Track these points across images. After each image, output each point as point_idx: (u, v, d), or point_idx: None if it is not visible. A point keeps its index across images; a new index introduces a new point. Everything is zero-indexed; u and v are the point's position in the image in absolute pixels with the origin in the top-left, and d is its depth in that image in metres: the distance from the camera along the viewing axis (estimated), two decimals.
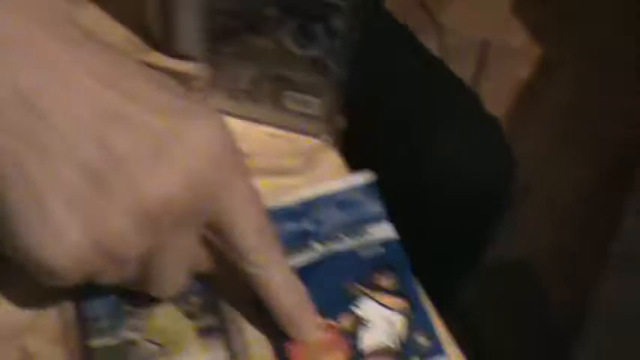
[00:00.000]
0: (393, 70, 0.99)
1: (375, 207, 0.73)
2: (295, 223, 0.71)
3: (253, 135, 0.77)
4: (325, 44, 0.69)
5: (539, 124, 1.69)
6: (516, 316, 1.47)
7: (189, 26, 0.79)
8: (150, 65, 0.81)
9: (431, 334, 0.66)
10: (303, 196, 0.72)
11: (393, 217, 0.73)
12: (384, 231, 0.71)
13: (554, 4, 1.83)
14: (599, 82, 1.72)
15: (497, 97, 1.75)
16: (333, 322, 0.65)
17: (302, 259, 0.69)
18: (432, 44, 1.82)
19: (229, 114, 0.78)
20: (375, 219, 0.72)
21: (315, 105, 0.74)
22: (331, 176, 0.75)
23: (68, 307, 0.66)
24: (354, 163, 0.77)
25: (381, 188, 0.80)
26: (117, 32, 0.85)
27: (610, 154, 1.60)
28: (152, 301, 0.67)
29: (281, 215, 0.71)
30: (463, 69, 1.83)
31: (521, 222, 1.56)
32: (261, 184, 0.74)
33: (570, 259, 1.48)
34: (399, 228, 0.74)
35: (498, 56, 1.79)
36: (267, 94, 0.75)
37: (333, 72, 0.71)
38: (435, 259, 1.05)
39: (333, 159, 0.76)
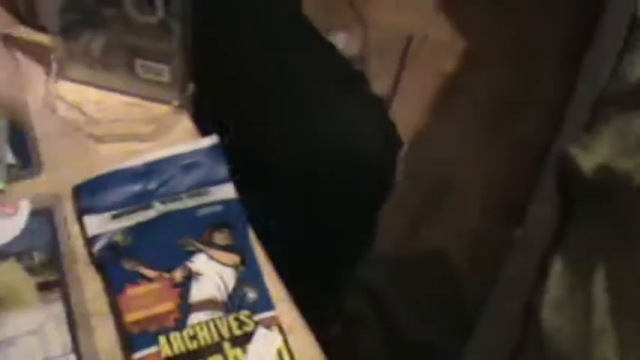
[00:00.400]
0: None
1: (220, 169, 0.75)
2: (139, 185, 0.74)
3: (110, 103, 0.80)
4: (164, 9, 0.72)
5: (461, 118, 1.73)
6: (430, 302, 1.50)
7: (48, 2, 0.82)
8: (16, 38, 0.85)
9: (260, 289, 0.69)
10: (149, 158, 0.75)
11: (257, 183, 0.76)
12: (225, 191, 0.74)
13: None
14: (521, 76, 1.76)
15: (420, 90, 1.79)
16: (165, 274, 0.68)
17: (141, 218, 0.71)
18: (357, 40, 1.86)
19: (87, 83, 0.81)
20: (218, 181, 0.75)
21: (164, 72, 0.77)
22: (183, 141, 0.78)
23: None
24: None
25: (247, 159, 0.83)
26: None
27: (527, 146, 1.64)
28: None
29: (126, 176, 0.74)
30: (387, 64, 1.87)
31: (443, 212, 1.60)
32: (114, 149, 0.77)
33: (483, 248, 1.52)
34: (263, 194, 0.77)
35: (422, 50, 1.83)
36: (120, 63, 0.78)
37: (177, 37, 0.74)
38: (319, 236, 1.07)
39: (185, 125, 0.79)
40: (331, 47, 1.04)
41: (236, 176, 0.75)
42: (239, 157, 0.86)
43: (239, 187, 0.75)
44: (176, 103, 0.78)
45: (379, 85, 1.70)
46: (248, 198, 0.79)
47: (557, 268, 0.93)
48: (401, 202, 1.58)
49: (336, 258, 1.12)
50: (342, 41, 1.78)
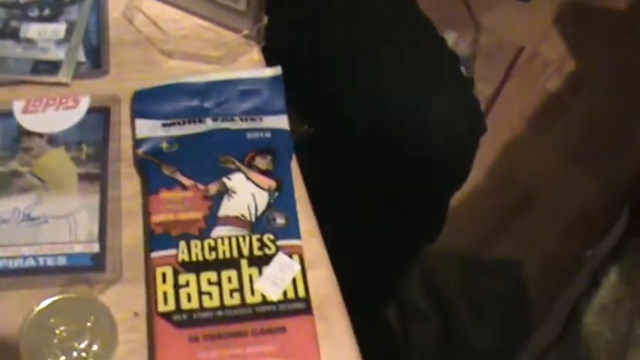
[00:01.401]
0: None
1: (277, 101, 0.76)
2: (195, 101, 0.75)
3: (185, 24, 0.82)
4: None
5: (558, 136, 1.68)
6: (491, 307, 1.46)
7: None
8: None
9: (290, 217, 0.68)
10: (210, 78, 0.76)
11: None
12: (278, 122, 0.74)
13: (594, 22, 1.81)
14: (625, 104, 1.70)
15: (521, 102, 1.75)
16: (200, 186, 0.69)
17: (190, 130, 0.72)
18: (467, 40, 1.83)
19: (165, 2, 0.83)
20: (273, 111, 0.75)
21: (241, 1, 0.78)
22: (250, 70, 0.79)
23: None
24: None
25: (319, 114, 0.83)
26: None
27: (623, 174, 1.58)
28: (49, 143, 0.73)
29: (184, 90, 0.75)
30: (494, 70, 1.83)
31: (521, 225, 1.56)
32: (180, 66, 0.79)
33: (554, 265, 1.47)
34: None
35: (531, 64, 1.79)
36: None
37: None
38: (384, 215, 1.05)
39: (253, 55, 0.80)
40: (429, 27, 1.01)
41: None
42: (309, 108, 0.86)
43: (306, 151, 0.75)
44: (246, 31, 0.79)
45: (482, 89, 1.68)
46: (315, 159, 0.79)
47: (612, 277, 0.90)
48: (481, 207, 1.56)
49: (403, 239, 1.10)
50: (451, 39, 1.76)
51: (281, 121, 0.75)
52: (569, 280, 1.34)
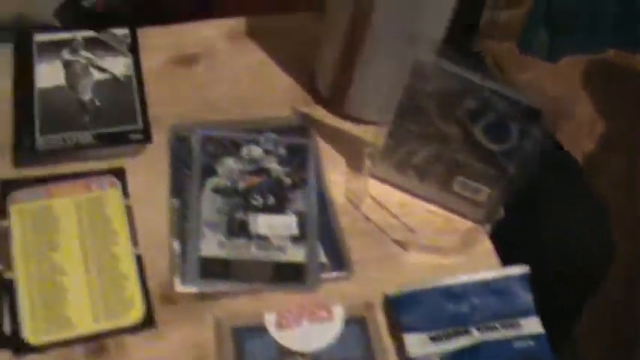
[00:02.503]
0: None
1: (527, 299, 0.75)
2: (454, 305, 0.73)
3: (413, 209, 0.79)
4: (515, 144, 0.71)
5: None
6: None
7: (368, 93, 0.81)
8: (317, 121, 0.84)
9: None
10: (462, 279, 0.74)
11: None
12: (534, 325, 0.74)
13: (624, 83, 1.87)
14: None
15: None
16: None
17: (461, 342, 0.71)
18: None
19: (393, 185, 0.80)
20: (525, 312, 0.74)
21: (483, 194, 0.76)
22: (482, 260, 0.78)
23: None
24: None
25: None
26: (281, 79, 0.87)
27: None
28: None
29: (440, 295, 0.73)
30: None
31: None
32: (419, 259, 0.77)
33: None
34: None
35: (566, 125, 1.83)
36: (437, 175, 0.77)
37: (511, 169, 0.73)
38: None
39: (485, 244, 0.79)
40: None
41: None
42: None
43: None
44: (486, 225, 0.77)
45: None
46: None
47: None
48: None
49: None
50: None
51: (536, 324, 0.74)
52: None
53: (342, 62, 0.80)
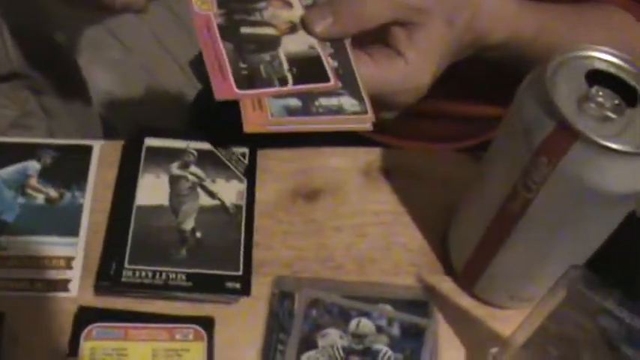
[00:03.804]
0: None
1: None
2: None
3: None
4: None
5: None
6: None
7: (505, 278, 0.69)
8: (441, 297, 0.72)
9: None
10: None
11: None
12: None
13: None
14: None
15: None
16: None
17: None
18: None
19: None
20: None
21: None
22: None
23: None
24: None
25: None
26: (411, 234, 0.76)
27: None
28: None
29: None
30: None
31: None
32: None
33: None
34: None
35: None
36: None
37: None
38: None
39: None
40: None
41: None
42: None
43: None
44: None
45: None
46: None
47: None
48: None
49: None
50: None
51: None
52: None
53: (485, 241, 0.68)
